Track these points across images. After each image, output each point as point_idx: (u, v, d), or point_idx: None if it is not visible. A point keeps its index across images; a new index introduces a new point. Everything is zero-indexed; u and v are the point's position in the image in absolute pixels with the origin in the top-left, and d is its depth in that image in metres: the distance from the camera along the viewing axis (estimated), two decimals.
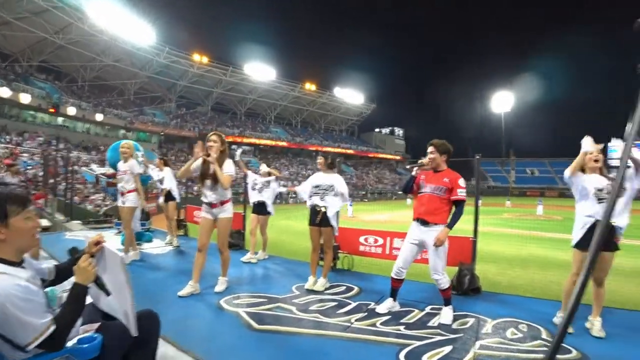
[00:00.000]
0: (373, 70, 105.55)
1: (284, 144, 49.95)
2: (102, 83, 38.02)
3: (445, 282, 3.41)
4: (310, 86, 51.38)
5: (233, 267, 4.81)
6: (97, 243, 1.70)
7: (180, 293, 3.84)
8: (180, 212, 7.90)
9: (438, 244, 3.33)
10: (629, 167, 3.21)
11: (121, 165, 5.20)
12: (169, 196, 6.66)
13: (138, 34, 34.64)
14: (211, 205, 3.98)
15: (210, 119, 45.82)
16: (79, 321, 1.59)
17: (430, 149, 3.52)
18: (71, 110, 30.42)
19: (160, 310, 3.23)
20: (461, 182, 3.42)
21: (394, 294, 3.65)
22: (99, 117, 32.82)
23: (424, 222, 3.43)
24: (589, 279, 0.71)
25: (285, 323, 3.23)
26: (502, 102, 66.82)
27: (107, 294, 1.61)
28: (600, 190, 3.12)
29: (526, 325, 3.31)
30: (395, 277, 3.57)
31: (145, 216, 7.31)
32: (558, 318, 3.40)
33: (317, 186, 4.41)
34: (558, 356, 2.72)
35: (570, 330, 3.12)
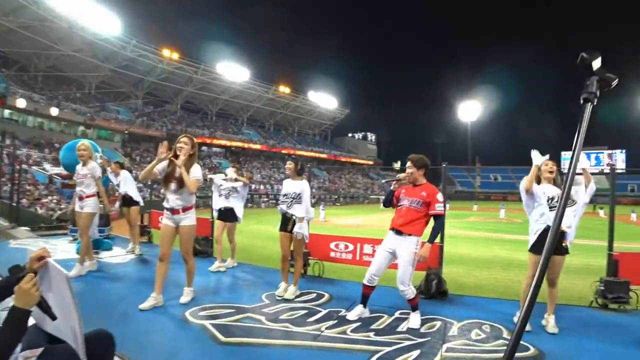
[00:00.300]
0: (347, 76, 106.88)
1: (257, 146, 49.23)
2: (59, 74, 35.11)
3: (410, 293, 3.45)
4: (284, 89, 51.01)
5: (200, 276, 4.69)
6: (40, 258, 1.51)
7: (142, 306, 3.62)
8: (143, 217, 7.55)
9: (422, 261, 3.42)
10: (579, 174, 3.58)
11: (80, 169, 4.91)
12: (130, 201, 6.36)
13: (102, 24, 32.39)
14: (173, 211, 3.75)
15: (179, 118, 44.37)
16: (19, 347, 1.41)
17: (408, 164, 3.58)
18: (21, 102, 27.57)
19: (119, 325, 3.10)
20: (439, 196, 3.46)
21: (364, 301, 3.64)
22: (54, 111, 29.97)
23: (399, 232, 3.49)
24: (542, 281, 0.74)
25: (254, 334, 3.14)
26: (469, 111, 69.62)
27: (53, 318, 1.45)
28: (552, 199, 3.36)
29: (489, 326, 3.47)
30: (368, 284, 3.56)
31: (105, 222, 6.95)
32: (517, 317, 3.57)
33: (285, 195, 4.39)
34: (518, 354, 2.85)
35: (528, 328, 3.31)
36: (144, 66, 38.88)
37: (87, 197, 4.85)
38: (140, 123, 38.17)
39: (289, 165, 4.46)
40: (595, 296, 4.15)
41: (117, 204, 6.43)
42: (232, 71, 44.23)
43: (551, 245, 0.76)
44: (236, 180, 5.69)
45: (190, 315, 3.51)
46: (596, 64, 0.79)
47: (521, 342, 2.86)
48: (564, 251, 3.33)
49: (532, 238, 3.44)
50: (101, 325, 1.76)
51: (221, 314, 3.55)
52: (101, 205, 5.47)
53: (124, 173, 6.44)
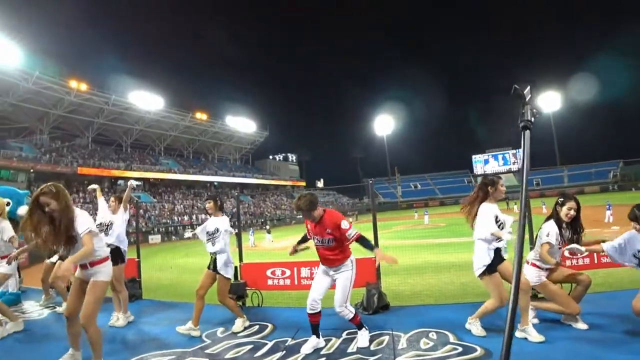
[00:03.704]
0: (264, 99, 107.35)
1: (183, 177, 47.03)
2: None
3: (348, 313, 3.44)
4: (201, 115, 49.93)
5: (132, 323, 4.39)
6: None
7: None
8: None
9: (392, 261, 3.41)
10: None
11: None
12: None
13: None
14: (81, 266, 3.16)
15: (91, 152, 40.61)
16: None
17: (301, 213, 3.41)
18: None
19: None
20: (344, 224, 3.35)
21: (315, 330, 3.49)
22: None
23: (332, 268, 3.50)
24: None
25: None
26: (384, 125, 74.22)
27: None
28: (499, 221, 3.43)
29: (435, 333, 3.57)
30: (311, 311, 3.43)
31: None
32: (469, 324, 3.61)
33: (209, 232, 4.27)
34: (466, 356, 3.01)
35: (482, 333, 3.44)
36: (49, 99, 35.72)
37: (2, 257, 4.16)
38: (47, 160, 34.08)
39: (209, 204, 4.32)
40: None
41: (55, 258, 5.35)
42: (146, 100, 42.40)
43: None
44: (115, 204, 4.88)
45: None
46: (527, 94, 0.89)
47: (468, 344, 3.04)
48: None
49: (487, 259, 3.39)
50: None
51: None
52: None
53: None
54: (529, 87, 0.88)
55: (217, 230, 4.19)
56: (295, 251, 3.73)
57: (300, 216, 3.66)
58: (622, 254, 3.20)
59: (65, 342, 3.24)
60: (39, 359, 3.51)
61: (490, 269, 3.35)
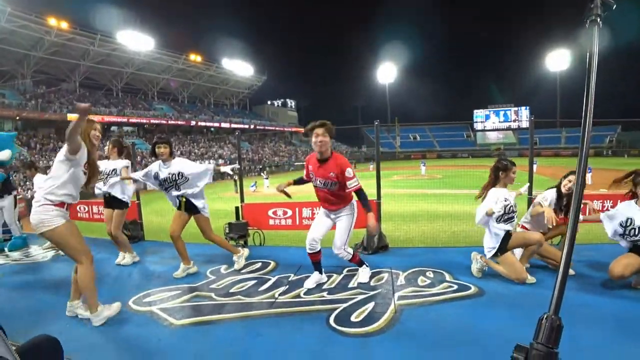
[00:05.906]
0: (261, 42, 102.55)
1: (182, 122, 45.91)
2: None
3: (346, 255, 3.50)
4: (195, 57, 47.71)
5: (138, 263, 4.50)
6: None
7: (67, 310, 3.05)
8: None
9: (375, 232, 3.56)
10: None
11: None
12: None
13: None
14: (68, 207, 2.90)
15: (80, 97, 38.80)
16: None
17: (319, 130, 3.20)
18: None
19: (61, 330, 2.73)
20: (348, 172, 3.23)
21: (317, 267, 3.61)
22: None
23: (333, 211, 3.49)
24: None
25: (208, 312, 3.02)
26: (386, 73, 72.39)
27: None
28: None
29: (432, 272, 3.76)
30: (310, 251, 3.49)
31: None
32: (477, 257, 3.71)
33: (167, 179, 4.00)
34: (461, 293, 3.19)
35: (478, 275, 3.62)
36: (28, 39, 33.01)
37: None
38: (34, 106, 32.32)
39: (164, 149, 3.99)
40: None
41: None
42: (135, 40, 39.92)
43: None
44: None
45: (135, 303, 3.24)
46: None
47: (463, 282, 3.17)
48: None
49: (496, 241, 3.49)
50: (40, 332, 1.50)
51: (167, 297, 3.35)
52: None
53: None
54: None
55: (181, 174, 3.93)
56: (282, 191, 3.59)
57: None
58: (612, 221, 3.33)
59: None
60: (55, 297, 3.56)
61: (501, 250, 3.49)
